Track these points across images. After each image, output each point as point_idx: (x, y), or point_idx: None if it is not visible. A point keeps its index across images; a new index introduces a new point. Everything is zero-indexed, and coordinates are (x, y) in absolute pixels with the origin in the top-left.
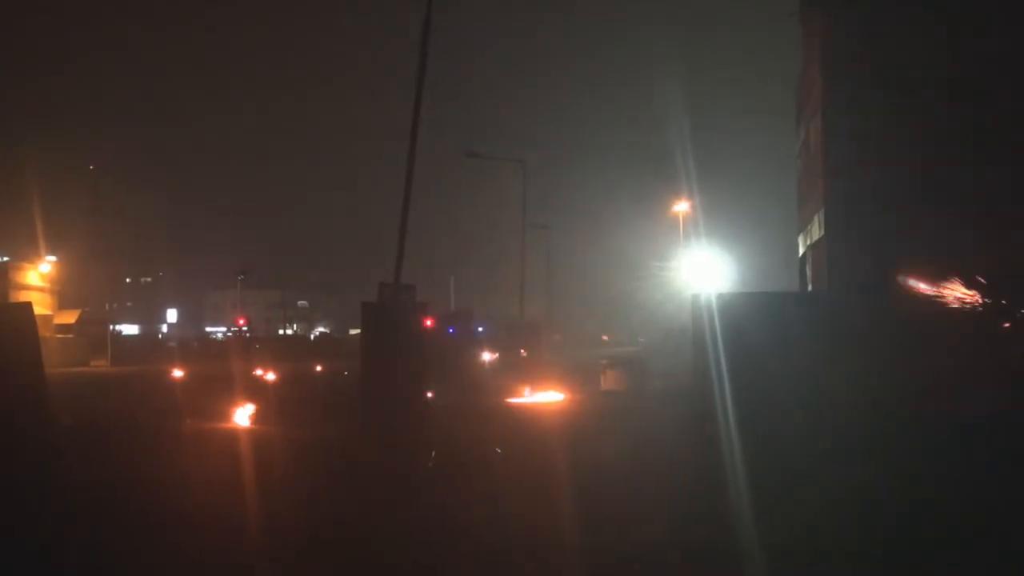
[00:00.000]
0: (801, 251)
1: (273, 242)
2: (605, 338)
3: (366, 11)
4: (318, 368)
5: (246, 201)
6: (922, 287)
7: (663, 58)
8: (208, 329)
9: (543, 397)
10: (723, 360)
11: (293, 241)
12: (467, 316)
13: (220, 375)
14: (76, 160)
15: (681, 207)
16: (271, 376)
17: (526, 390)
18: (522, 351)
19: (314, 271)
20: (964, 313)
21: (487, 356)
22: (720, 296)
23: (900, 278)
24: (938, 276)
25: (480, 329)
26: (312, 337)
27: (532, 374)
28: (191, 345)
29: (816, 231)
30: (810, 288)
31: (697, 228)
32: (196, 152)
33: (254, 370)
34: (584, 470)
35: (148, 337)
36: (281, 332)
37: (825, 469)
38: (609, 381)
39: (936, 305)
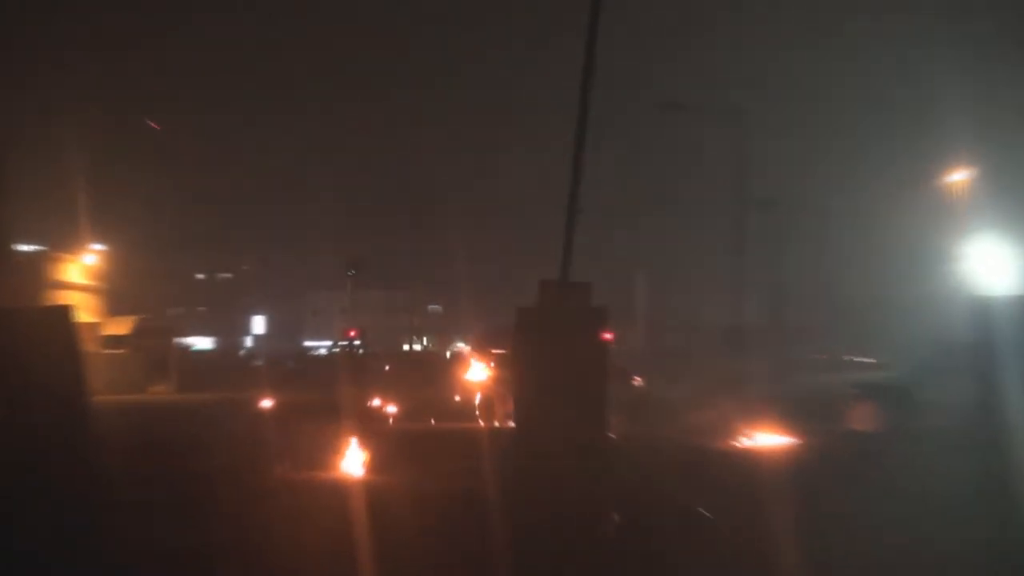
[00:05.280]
0: None
1: (393, 229)
2: None
3: None
4: (456, 398)
5: (360, 178)
6: None
7: None
8: (307, 343)
9: (762, 440)
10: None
11: (419, 227)
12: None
13: (323, 407)
14: (135, 120)
15: (958, 176)
16: (392, 408)
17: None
18: None
19: (449, 267)
20: None
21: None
22: (1018, 300)
23: None
24: None
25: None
26: (448, 355)
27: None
28: (284, 365)
29: None
30: None
31: (981, 212)
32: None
33: (370, 400)
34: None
35: (226, 354)
36: (406, 348)
37: None
38: (858, 417)
39: None
